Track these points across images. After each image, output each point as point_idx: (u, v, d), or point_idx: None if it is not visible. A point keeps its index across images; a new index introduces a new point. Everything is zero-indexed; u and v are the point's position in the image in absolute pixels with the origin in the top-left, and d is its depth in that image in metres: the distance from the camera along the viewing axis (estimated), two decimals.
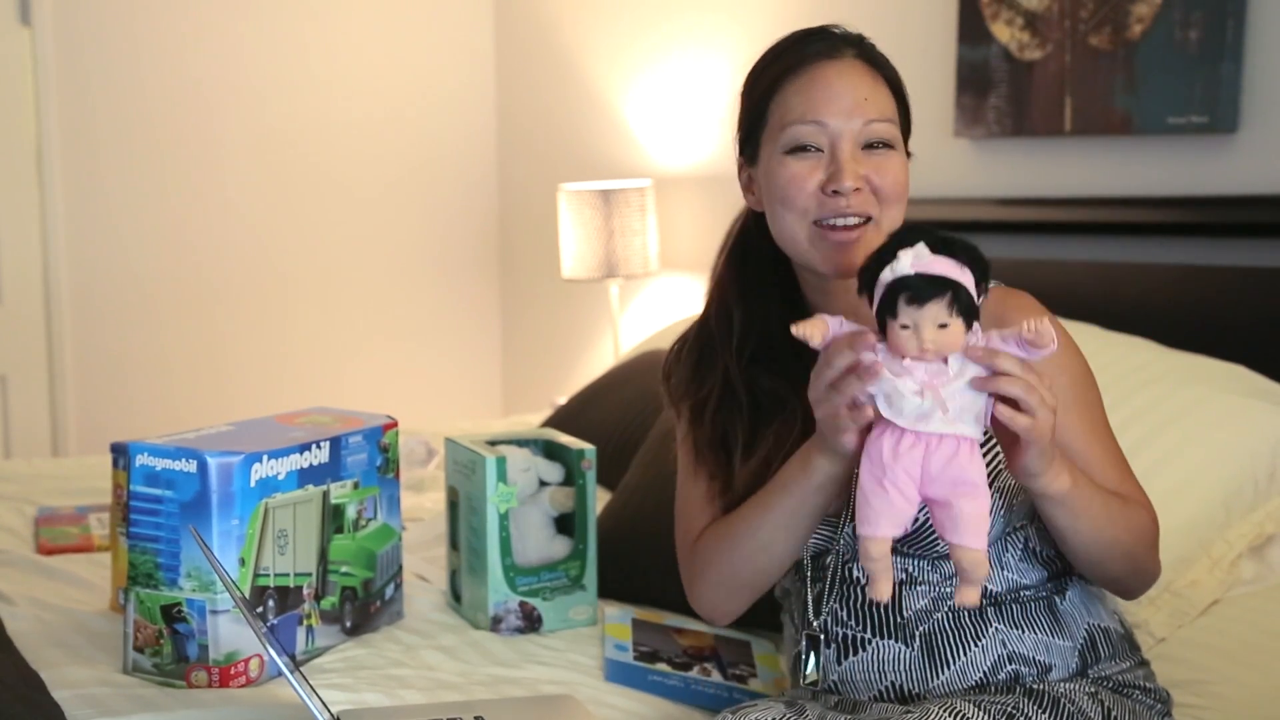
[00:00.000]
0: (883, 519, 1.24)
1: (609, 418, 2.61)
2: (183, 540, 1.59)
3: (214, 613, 1.59)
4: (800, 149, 1.43)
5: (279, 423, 1.81)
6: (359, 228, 4.09)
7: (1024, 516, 1.46)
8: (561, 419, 2.74)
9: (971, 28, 2.74)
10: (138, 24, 3.70)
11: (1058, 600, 1.47)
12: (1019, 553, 1.47)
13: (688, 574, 1.58)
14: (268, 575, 1.65)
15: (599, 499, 2.15)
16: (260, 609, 1.64)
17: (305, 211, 4.00)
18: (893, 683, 1.45)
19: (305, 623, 1.72)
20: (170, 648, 1.61)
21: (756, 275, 1.56)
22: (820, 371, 1.27)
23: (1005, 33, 2.68)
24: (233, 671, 1.61)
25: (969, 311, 1.23)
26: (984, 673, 1.43)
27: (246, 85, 3.87)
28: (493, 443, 1.96)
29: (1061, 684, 1.42)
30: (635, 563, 2.02)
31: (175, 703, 1.54)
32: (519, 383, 4.29)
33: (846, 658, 1.47)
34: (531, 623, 1.87)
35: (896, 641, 1.45)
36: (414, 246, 4.18)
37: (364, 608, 1.82)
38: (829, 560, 1.50)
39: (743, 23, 3.36)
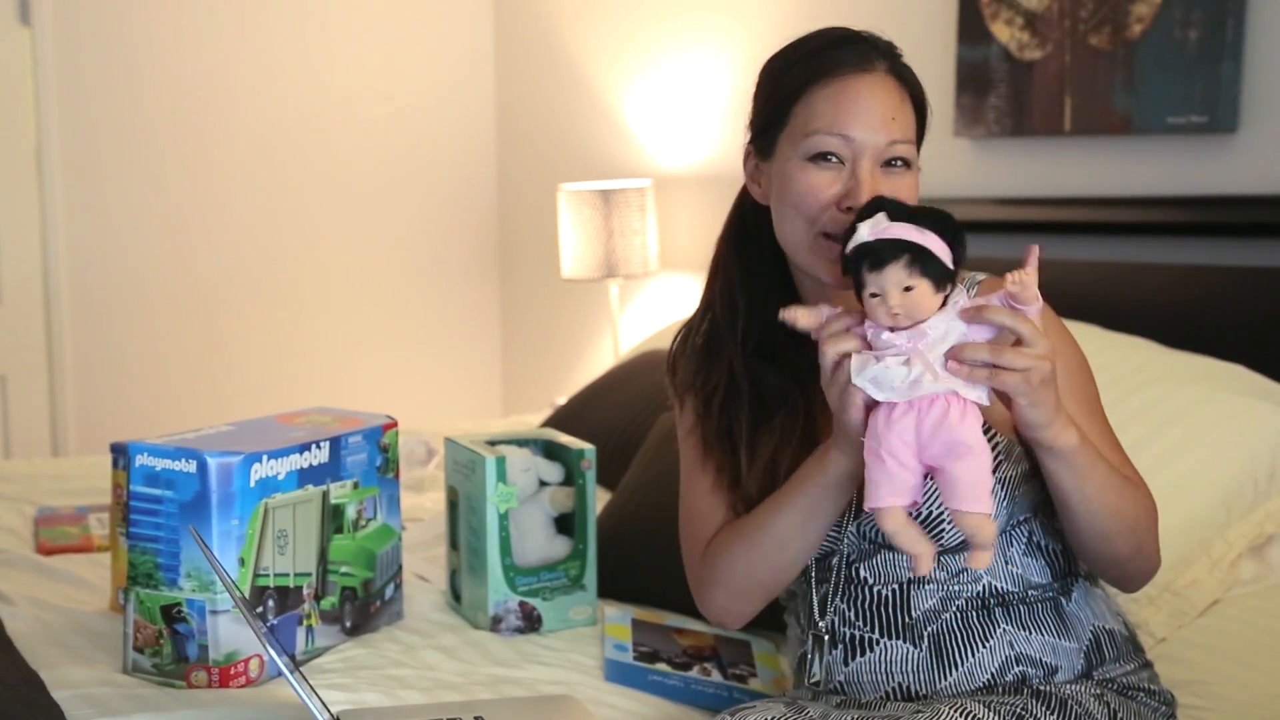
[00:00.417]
0: (881, 488, 1.26)
1: (609, 418, 2.61)
2: (182, 540, 1.59)
3: (214, 613, 1.59)
4: (822, 158, 1.43)
5: (279, 423, 1.80)
6: (359, 228, 4.09)
7: (1027, 509, 1.46)
8: (561, 419, 2.74)
9: (971, 27, 2.74)
10: (138, 24, 3.70)
11: (1064, 601, 1.47)
12: (1023, 546, 1.47)
13: (697, 579, 1.57)
14: (267, 575, 1.65)
15: (599, 499, 2.15)
16: (260, 609, 1.64)
17: (305, 211, 4.00)
18: (900, 684, 1.45)
19: (305, 623, 1.72)
20: (170, 648, 1.61)
21: (756, 263, 1.56)
22: (822, 364, 1.30)
23: (1005, 32, 2.68)
24: (232, 672, 1.61)
25: (937, 274, 1.25)
26: (991, 674, 1.43)
27: (246, 85, 3.87)
28: (493, 443, 1.96)
29: (1068, 686, 1.42)
30: (635, 563, 2.02)
31: (175, 703, 1.54)
32: (519, 383, 4.29)
33: (854, 658, 1.47)
34: (531, 623, 1.87)
35: (905, 642, 1.45)
36: (414, 246, 4.18)
37: (364, 608, 1.82)
38: (834, 561, 1.50)
39: (743, 23, 3.36)
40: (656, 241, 3.52)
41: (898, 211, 1.28)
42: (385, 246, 4.13)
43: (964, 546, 1.42)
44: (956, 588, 1.44)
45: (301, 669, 1.59)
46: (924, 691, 1.44)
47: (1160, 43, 2.43)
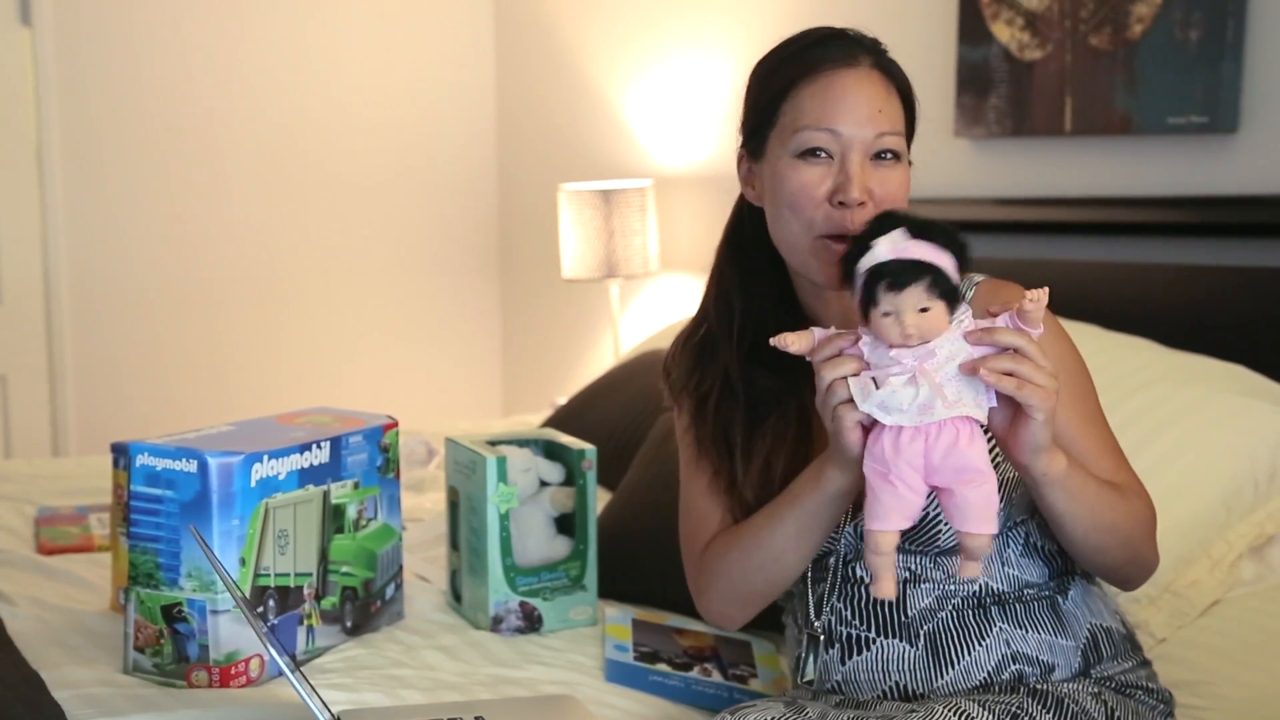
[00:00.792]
0: (892, 514, 1.25)
1: (609, 418, 2.61)
2: (183, 540, 1.59)
3: (214, 613, 1.59)
4: (811, 153, 1.43)
5: (279, 423, 1.81)
6: (359, 228, 4.09)
7: (1024, 511, 1.46)
8: (562, 419, 2.74)
9: (972, 28, 2.74)
10: (138, 24, 3.70)
11: (1060, 599, 1.47)
12: (1020, 547, 1.47)
13: (696, 581, 1.57)
14: (268, 575, 1.65)
15: (599, 499, 2.15)
16: (261, 609, 1.64)
17: (305, 211, 4.00)
18: (897, 683, 1.45)
19: (306, 623, 1.72)
20: (171, 648, 1.61)
21: (753, 265, 1.56)
22: (818, 386, 1.29)
23: (1005, 33, 2.68)
24: (233, 671, 1.61)
25: (950, 294, 1.24)
26: (988, 673, 1.43)
27: (246, 85, 3.87)
28: (493, 443, 1.96)
29: (1065, 684, 1.42)
30: (636, 563, 2.02)
31: (176, 703, 1.54)
32: (519, 383, 4.30)
33: (851, 657, 1.47)
34: (532, 623, 1.87)
35: (901, 641, 1.45)
36: (414, 246, 4.18)
37: (364, 608, 1.82)
38: (830, 561, 1.50)
39: (743, 23, 3.36)
40: (657, 242, 3.52)
41: (913, 228, 1.25)
42: (386, 246, 4.13)
43: (955, 550, 1.42)
44: (952, 587, 1.45)
45: (302, 669, 1.59)
46: (921, 690, 1.44)
47: (1161, 43, 2.43)
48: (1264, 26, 2.33)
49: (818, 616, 1.50)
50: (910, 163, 1.49)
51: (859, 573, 1.48)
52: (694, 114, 3.54)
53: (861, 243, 1.27)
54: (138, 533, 1.62)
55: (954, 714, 1.32)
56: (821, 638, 1.50)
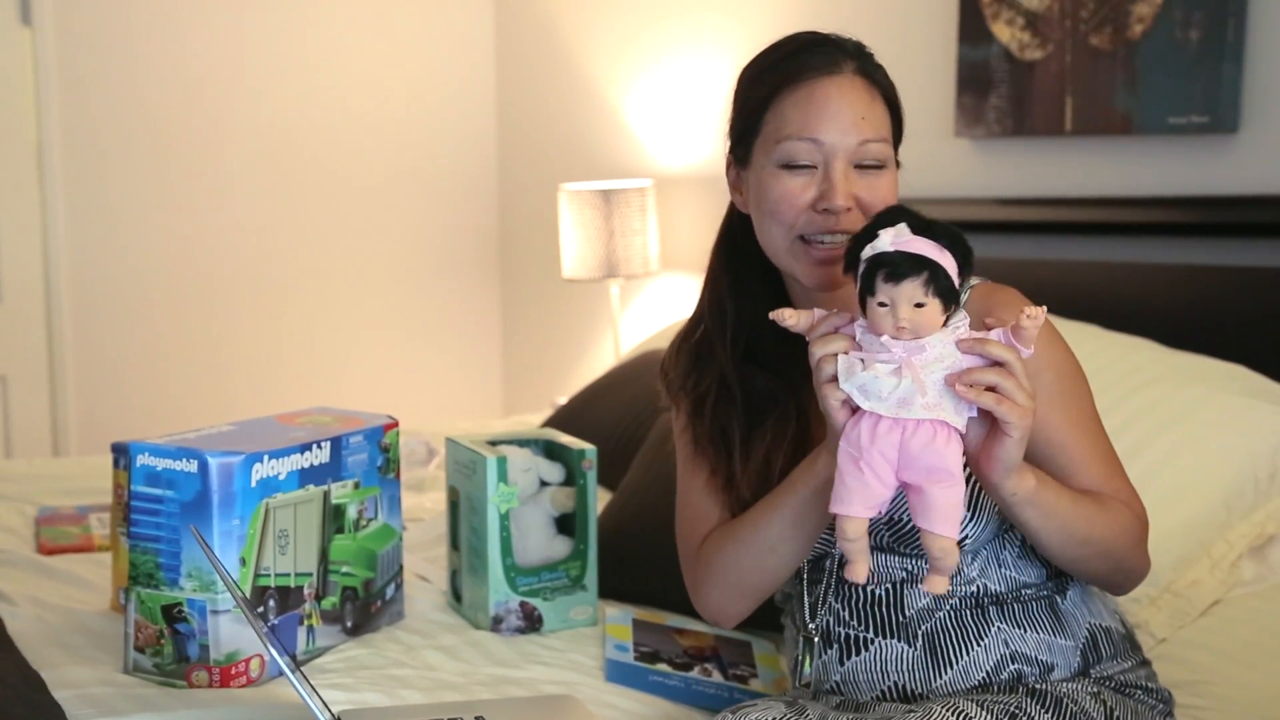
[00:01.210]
0: (856, 498, 1.25)
1: (610, 418, 2.61)
2: (183, 540, 1.59)
3: (215, 612, 1.59)
4: (794, 166, 1.43)
5: (280, 423, 1.81)
6: (360, 228, 4.09)
7: None
8: (562, 419, 2.74)
9: (972, 27, 2.74)
10: (138, 24, 3.71)
11: (1059, 599, 1.47)
12: (1017, 550, 1.47)
13: (692, 577, 1.58)
14: (268, 575, 1.65)
15: (600, 499, 2.15)
16: (261, 609, 1.64)
17: (306, 212, 4.00)
18: (895, 683, 1.45)
19: (306, 623, 1.72)
20: (171, 648, 1.61)
21: (744, 270, 1.56)
22: (810, 361, 1.30)
23: (1006, 33, 2.68)
24: (233, 671, 1.61)
25: (947, 294, 1.25)
26: (986, 672, 1.43)
27: (247, 85, 3.87)
28: (493, 443, 1.96)
29: (1064, 684, 1.42)
30: (636, 563, 2.02)
31: (176, 703, 1.54)
32: (519, 383, 4.30)
33: (849, 658, 1.47)
34: (532, 623, 1.87)
35: (899, 641, 1.45)
36: (415, 246, 4.18)
37: (365, 608, 1.82)
38: (828, 563, 1.50)
39: (743, 23, 3.36)
40: (657, 242, 3.52)
41: (918, 225, 1.26)
42: (386, 246, 4.13)
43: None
44: (949, 588, 1.45)
45: (302, 669, 1.59)
46: (919, 690, 1.44)
47: (1161, 43, 2.43)
48: (1264, 26, 2.33)
49: (813, 618, 1.51)
50: (899, 164, 1.49)
51: None
52: (694, 114, 3.54)
53: (867, 233, 1.28)
54: (138, 533, 1.62)
55: (952, 714, 1.33)
56: (817, 640, 1.50)
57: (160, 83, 3.75)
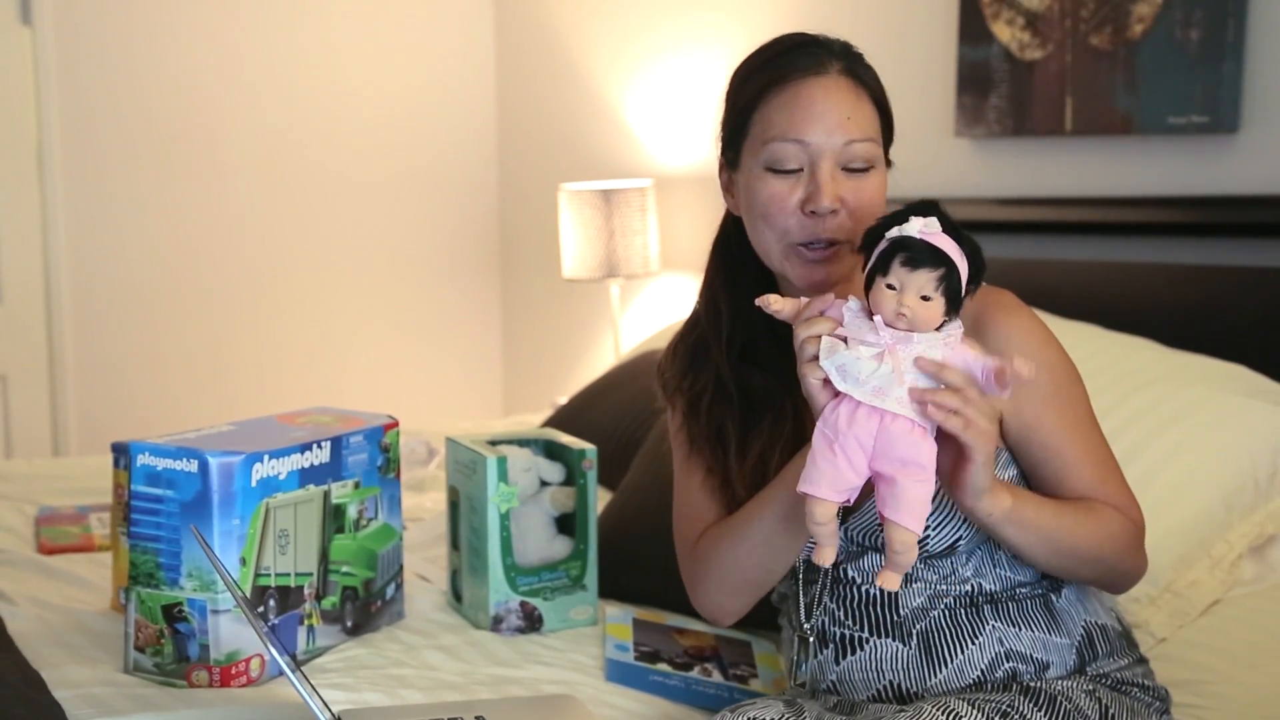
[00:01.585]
0: (824, 480, 1.26)
1: (610, 418, 2.61)
2: (184, 540, 1.59)
3: (215, 612, 1.60)
4: (781, 169, 1.43)
5: (280, 422, 1.81)
6: (360, 227, 4.09)
7: None
8: (562, 419, 2.74)
9: (972, 27, 2.74)
10: (138, 24, 3.71)
11: (1054, 597, 1.47)
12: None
13: (689, 573, 1.58)
14: (269, 575, 1.65)
15: (600, 499, 2.15)
16: (261, 609, 1.64)
17: (306, 211, 4.00)
18: (891, 682, 1.45)
19: (306, 622, 1.72)
20: (171, 647, 1.61)
21: (739, 271, 1.57)
22: (795, 344, 1.30)
23: (1006, 32, 2.68)
24: (234, 671, 1.61)
25: (953, 298, 1.25)
26: (981, 671, 1.43)
27: (247, 85, 3.87)
28: (494, 443, 1.96)
29: (1059, 682, 1.42)
30: (636, 563, 2.02)
31: (176, 702, 1.54)
32: (520, 383, 4.30)
33: (845, 657, 1.48)
34: (532, 622, 1.87)
35: (894, 640, 1.45)
36: (415, 246, 4.18)
37: (365, 607, 1.82)
38: None
39: (743, 22, 3.37)
40: (657, 241, 3.52)
41: (948, 225, 1.27)
42: (386, 246, 4.13)
43: (946, 553, 1.42)
44: (944, 587, 1.45)
45: (303, 668, 1.59)
46: (915, 689, 1.44)
47: (1161, 43, 2.43)
48: (1265, 26, 2.33)
49: (808, 619, 1.51)
50: (890, 163, 1.49)
51: (850, 573, 1.48)
52: (694, 114, 3.54)
53: (897, 216, 1.28)
54: (138, 532, 1.62)
55: (943, 713, 1.33)
56: (812, 640, 1.50)
57: (160, 83, 3.75)
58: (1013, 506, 1.33)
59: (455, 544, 1.96)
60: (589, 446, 1.95)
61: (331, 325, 4.07)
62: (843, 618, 1.48)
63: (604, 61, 3.83)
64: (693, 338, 1.61)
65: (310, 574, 1.72)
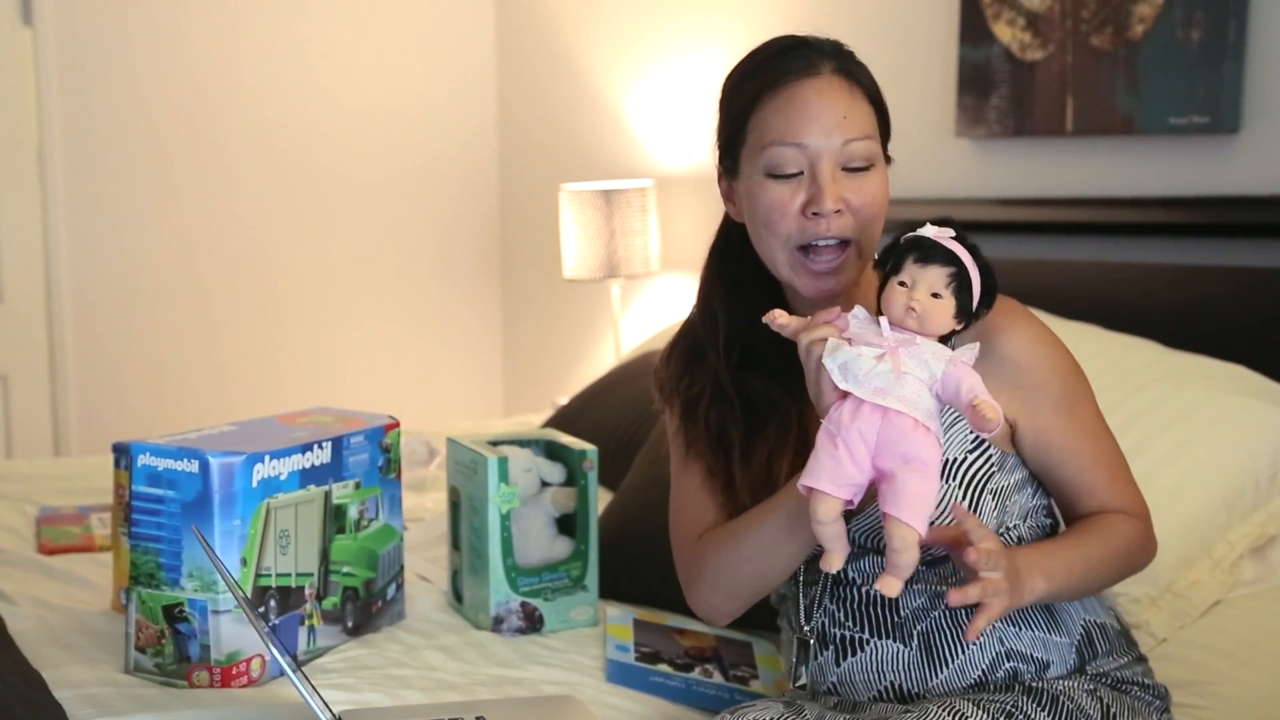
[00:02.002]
0: (825, 474, 1.27)
1: (610, 418, 2.61)
2: (184, 540, 1.59)
3: (216, 612, 1.60)
4: (780, 174, 1.43)
5: (281, 423, 1.81)
6: (360, 228, 4.09)
7: (1017, 517, 1.46)
8: (563, 419, 2.74)
9: (973, 28, 2.74)
10: (139, 24, 3.71)
11: None
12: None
13: (686, 572, 1.58)
14: (269, 575, 1.65)
15: (600, 499, 2.15)
16: (262, 609, 1.64)
17: (307, 211, 4.00)
18: (892, 683, 1.45)
19: (307, 623, 1.72)
20: (172, 647, 1.61)
21: (739, 278, 1.56)
22: (800, 351, 1.33)
23: (1007, 33, 2.68)
24: (234, 671, 1.61)
25: (963, 304, 1.28)
26: (982, 671, 1.43)
27: (248, 85, 3.87)
28: (494, 443, 1.96)
29: (1060, 681, 1.42)
30: (637, 563, 2.02)
31: (177, 702, 1.54)
32: (520, 383, 4.30)
33: (845, 658, 1.48)
34: (533, 623, 1.87)
35: (895, 641, 1.45)
36: (415, 246, 4.18)
37: (365, 608, 1.82)
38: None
39: (744, 22, 3.37)
40: (658, 242, 3.52)
41: (963, 239, 1.31)
42: (387, 246, 4.13)
43: (946, 556, 1.42)
44: (944, 588, 1.45)
45: (303, 669, 1.59)
46: (916, 690, 1.44)
47: (1162, 43, 2.43)
48: (1266, 27, 2.33)
49: (808, 620, 1.51)
50: (890, 160, 1.48)
51: (850, 575, 1.48)
52: (695, 114, 3.54)
53: (916, 229, 1.32)
54: (139, 532, 1.62)
55: (948, 714, 1.33)
56: (812, 642, 1.50)
57: (161, 82, 3.75)
58: (1046, 589, 1.37)
59: (456, 544, 1.96)
60: (590, 447, 1.95)
61: (332, 325, 4.07)
62: (843, 619, 1.48)
63: (605, 61, 3.83)
64: (689, 340, 1.61)
65: (311, 574, 1.72)
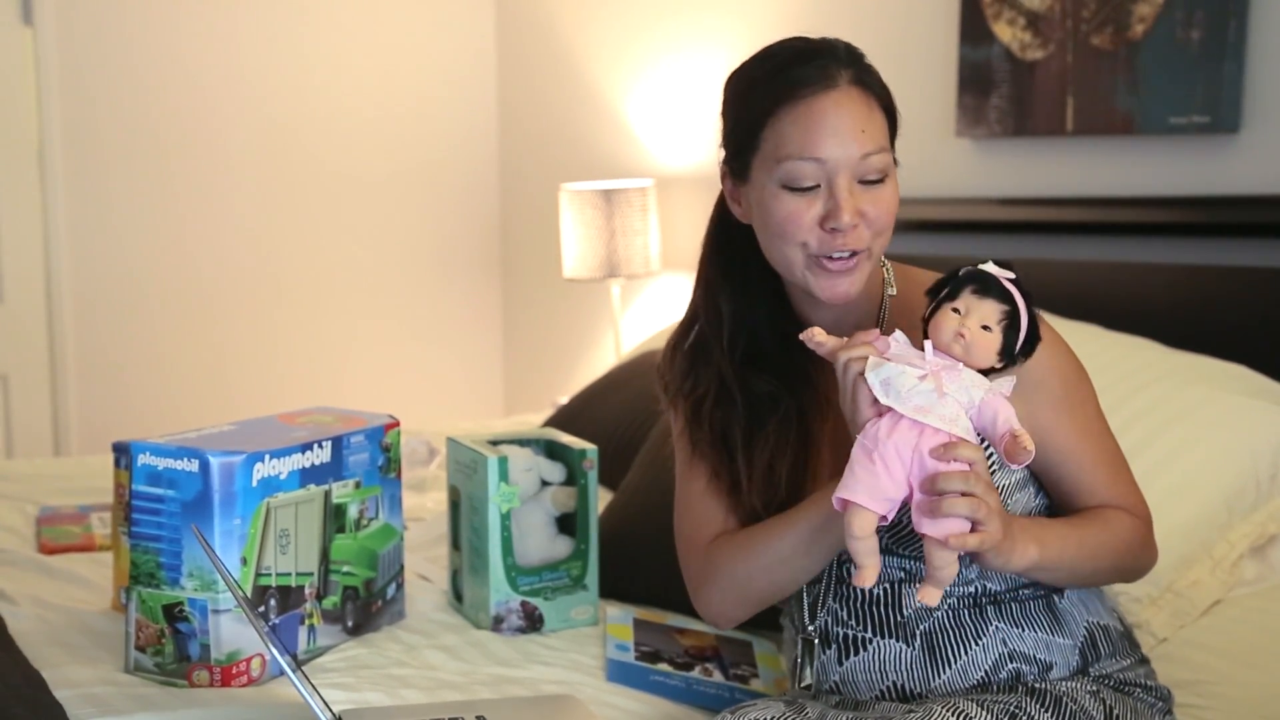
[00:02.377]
0: (861, 487, 1.27)
1: (610, 417, 2.61)
2: (185, 539, 1.59)
3: (216, 612, 1.60)
4: (797, 186, 1.42)
5: (281, 422, 1.81)
6: (361, 227, 4.09)
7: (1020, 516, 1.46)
8: (563, 419, 2.74)
9: (973, 27, 2.74)
10: (139, 24, 3.71)
11: (1056, 598, 1.47)
12: None
13: (695, 575, 1.57)
14: (269, 575, 1.65)
15: (600, 499, 2.15)
16: (262, 608, 1.64)
17: (307, 211, 4.00)
18: (894, 682, 1.45)
19: (307, 622, 1.72)
20: (172, 647, 1.61)
21: (741, 273, 1.56)
22: (837, 371, 1.33)
23: (1007, 33, 2.68)
24: (234, 671, 1.61)
25: (1009, 343, 1.30)
26: (985, 671, 1.43)
27: (248, 85, 3.87)
28: (494, 442, 1.96)
29: (1063, 683, 1.42)
30: (637, 563, 2.02)
31: (177, 702, 1.54)
32: (520, 382, 4.30)
33: (848, 658, 1.48)
34: (533, 622, 1.87)
35: (897, 641, 1.45)
36: (416, 246, 4.18)
37: (365, 607, 1.82)
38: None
39: (744, 22, 3.36)
40: (658, 241, 3.52)
41: (1023, 288, 1.33)
42: (387, 246, 4.13)
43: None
44: (947, 588, 1.45)
45: (303, 668, 1.59)
46: (918, 690, 1.44)
47: (1162, 43, 2.43)
48: (1266, 26, 2.33)
49: (812, 620, 1.50)
50: (897, 162, 1.48)
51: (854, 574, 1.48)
52: (695, 113, 3.54)
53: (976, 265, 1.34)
54: (139, 532, 1.62)
55: (952, 714, 1.33)
56: (816, 641, 1.50)
57: (161, 83, 3.75)
58: (1040, 556, 1.36)
59: (456, 544, 1.96)
60: (590, 446, 1.95)
61: (332, 325, 4.07)
62: (846, 618, 1.48)
63: (605, 61, 3.83)
64: (692, 339, 1.60)
65: (311, 574, 1.72)
